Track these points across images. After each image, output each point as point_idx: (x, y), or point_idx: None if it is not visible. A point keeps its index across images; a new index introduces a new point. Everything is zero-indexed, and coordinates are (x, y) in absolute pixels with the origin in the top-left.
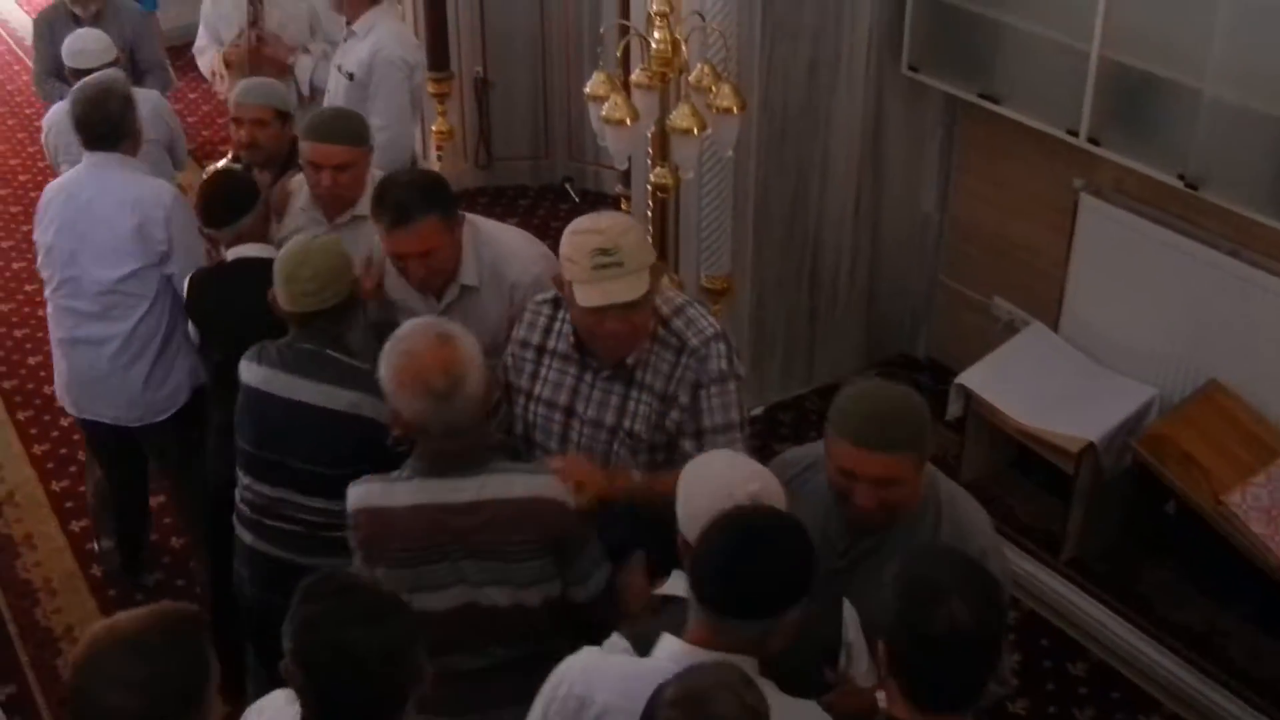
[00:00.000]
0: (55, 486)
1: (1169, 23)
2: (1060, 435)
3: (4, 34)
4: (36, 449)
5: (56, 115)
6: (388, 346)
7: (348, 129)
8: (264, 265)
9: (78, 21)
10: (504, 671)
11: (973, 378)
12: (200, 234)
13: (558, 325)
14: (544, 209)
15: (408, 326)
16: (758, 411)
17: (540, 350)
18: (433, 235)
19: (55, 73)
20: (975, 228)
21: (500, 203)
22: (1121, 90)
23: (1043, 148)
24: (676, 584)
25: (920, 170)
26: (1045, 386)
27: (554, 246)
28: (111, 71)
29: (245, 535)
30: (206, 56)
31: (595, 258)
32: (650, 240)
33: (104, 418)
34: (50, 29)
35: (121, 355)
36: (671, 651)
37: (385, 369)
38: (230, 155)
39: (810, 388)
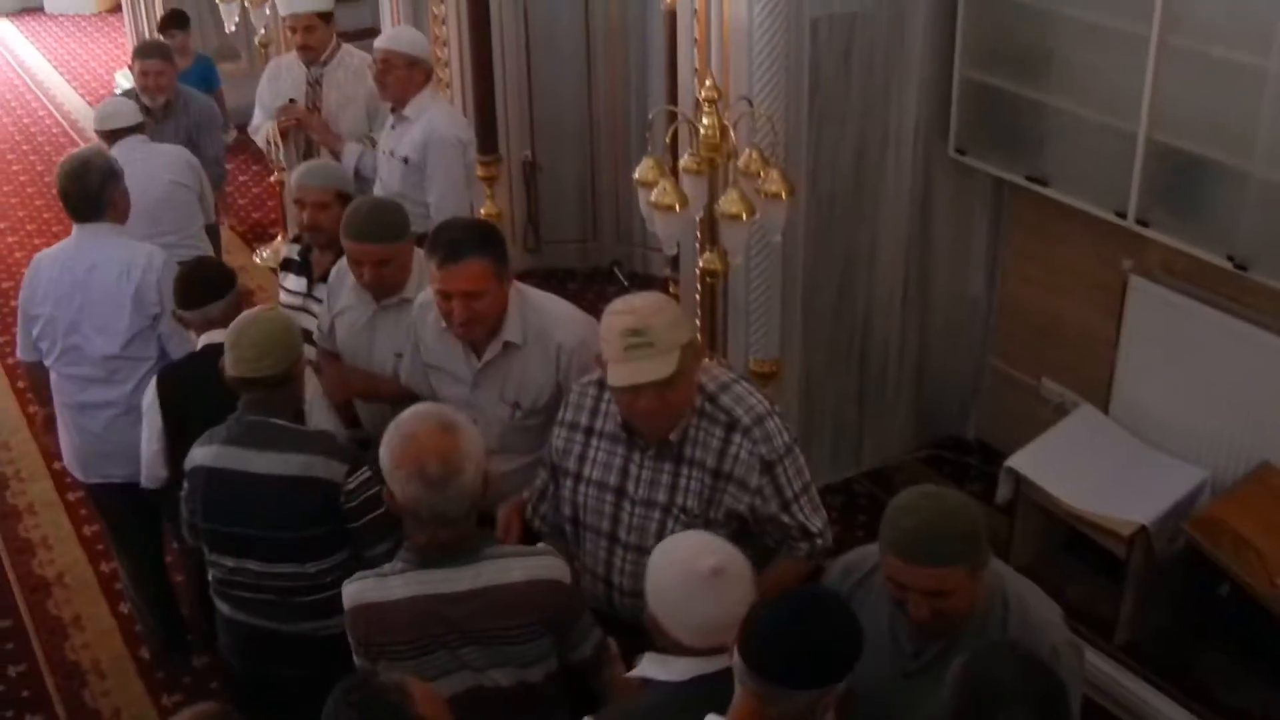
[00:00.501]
0: (105, 568)
1: (1216, 104)
2: (1111, 518)
3: (60, 117)
4: (86, 530)
5: None
6: (391, 427)
7: (386, 225)
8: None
9: (148, 113)
10: None
11: (1022, 460)
12: (174, 315)
13: (604, 406)
14: (592, 292)
15: (413, 411)
16: None
17: (588, 432)
18: (481, 277)
19: None
20: (1024, 309)
21: (548, 285)
22: (1169, 172)
23: (1091, 229)
24: (647, 666)
25: (968, 252)
26: (1096, 469)
27: None
28: (94, 146)
29: (223, 606)
30: (262, 133)
31: (626, 338)
32: (686, 320)
33: (114, 478)
34: None
35: (127, 416)
36: None
37: (385, 448)
38: (290, 235)
39: (859, 471)
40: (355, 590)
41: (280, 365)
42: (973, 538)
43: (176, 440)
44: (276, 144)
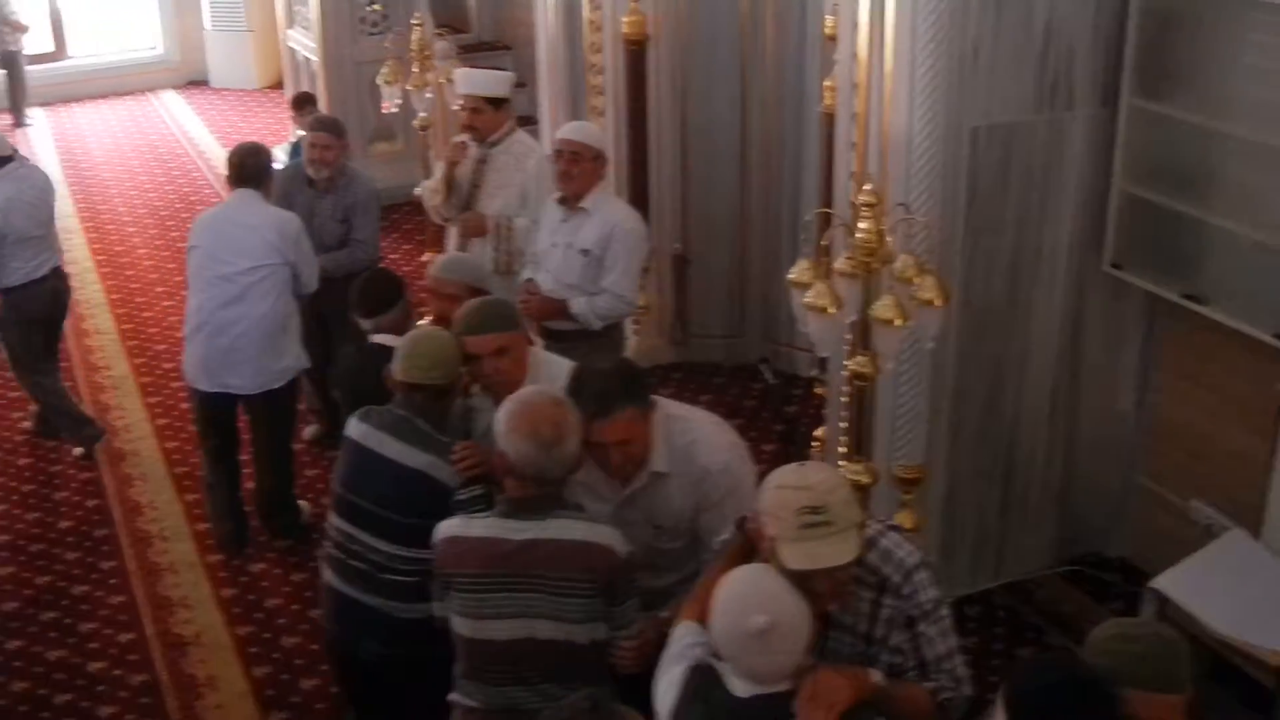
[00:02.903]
0: (241, 631)
1: None
2: (1260, 647)
3: (219, 187)
4: (225, 592)
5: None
6: (508, 401)
7: (498, 316)
8: (389, 351)
9: (311, 184)
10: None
11: (1168, 582)
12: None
13: None
14: (737, 388)
15: (529, 388)
16: None
17: None
18: (631, 426)
19: None
20: (1175, 428)
21: (694, 380)
22: None
23: (1247, 350)
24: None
25: (1119, 368)
26: (1245, 594)
27: (744, 426)
28: (257, 140)
29: (326, 573)
30: (425, 188)
31: (803, 516)
32: (855, 498)
33: (230, 388)
34: (284, 187)
35: (252, 333)
36: None
37: (502, 418)
38: (429, 319)
39: (998, 582)
40: (446, 525)
41: (447, 378)
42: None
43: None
44: (435, 189)
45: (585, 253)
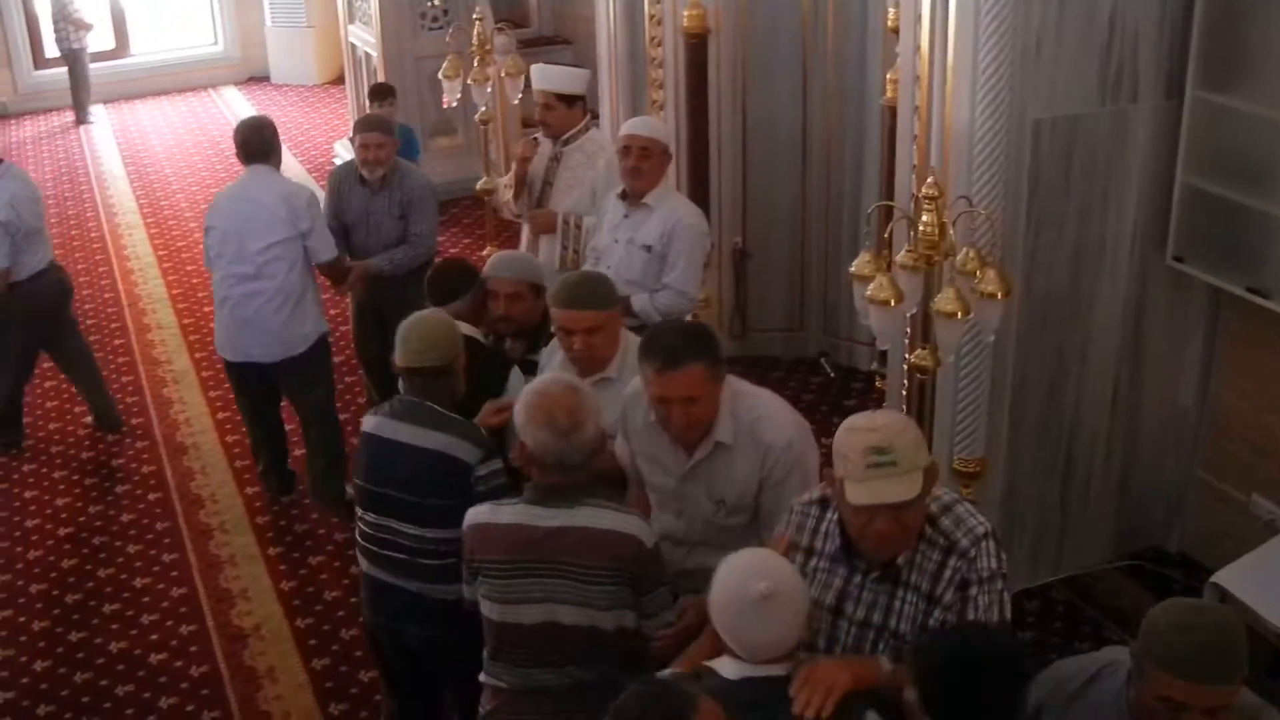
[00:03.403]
0: (300, 623)
1: None
2: None
3: None
4: (285, 585)
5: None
6: (525, 391)
7: (596, 294)
8: (465, 340)
9: (363, 183)
10: (582, 692)
11: (1229, 577)
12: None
13: (825, 526)
14: (795, 381)
15: (544, 376)
16: None
17: (808, 552)
18: (698, 382)
19: (335, 228)
20: (1236, 423)
21: (753, 373)
22: None
23: None
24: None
25: (1181, 361)
26: None
27: (804, 418)
28: (261, 114)
29: (362, 562)
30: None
31: (869, 456)
32: (923, 440)
33: (255, 358)
34: (338, 187)
35: (270, 303)
36: None
37: (520, 408)
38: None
39: (1057, 576)
40: (474, 512)
41: (441, 359)
42: (1245, 648)
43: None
44: (508, 185)
45: (647, 249)
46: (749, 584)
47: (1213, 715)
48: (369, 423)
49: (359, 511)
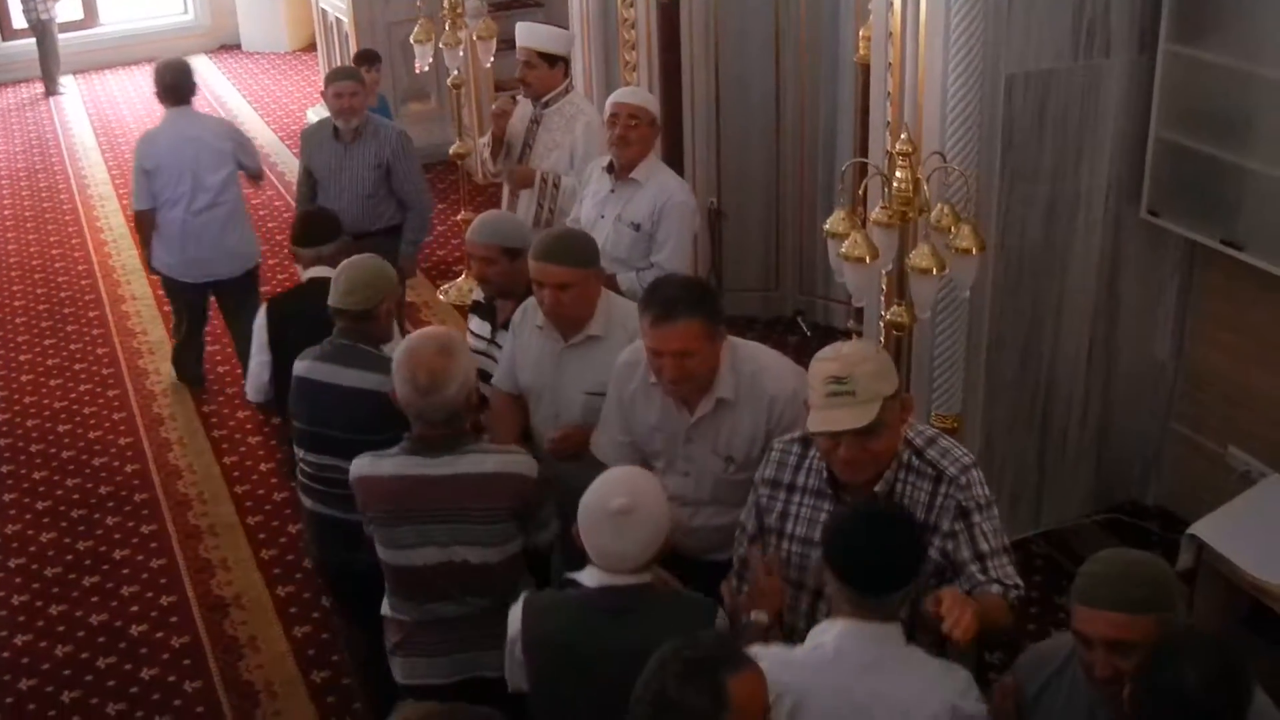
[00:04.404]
0: (281, 591)
1: None
2: None
3: None
4: (264, 554)
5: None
6: (403, 342)
7: (570, 251)
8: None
9: (337, 136)
10: (482, 618)
11: (1206, 528)
12: (291, 252)
13: (808, 462)
14: (772, 341)
15: (421, 331)
16: None
17: (790, 488)
18: (693, 338)
19: (309, 183)
20: (1212, 375)
21: (730, 333)
22: None
23: None
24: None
25: (1156, 315)
26: None
27: None
28: (175, 57)
29: (305, 501)
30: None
31: (828, 384)
32: (892, 372)
33: (219, 275)
34: (310, 141)
35: (230, 223)
36: (846, 632)
37: (395, 357)
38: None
39: (1036, 531)
40: (356, 465)
41: (365, 303)
42: (1167, 588)
43: (278, 354)
44: (487, 143)
45: (636, 227)
46: (609, 499)
47: (1116, 651)
48: (300, 366)
49: (300, 452)
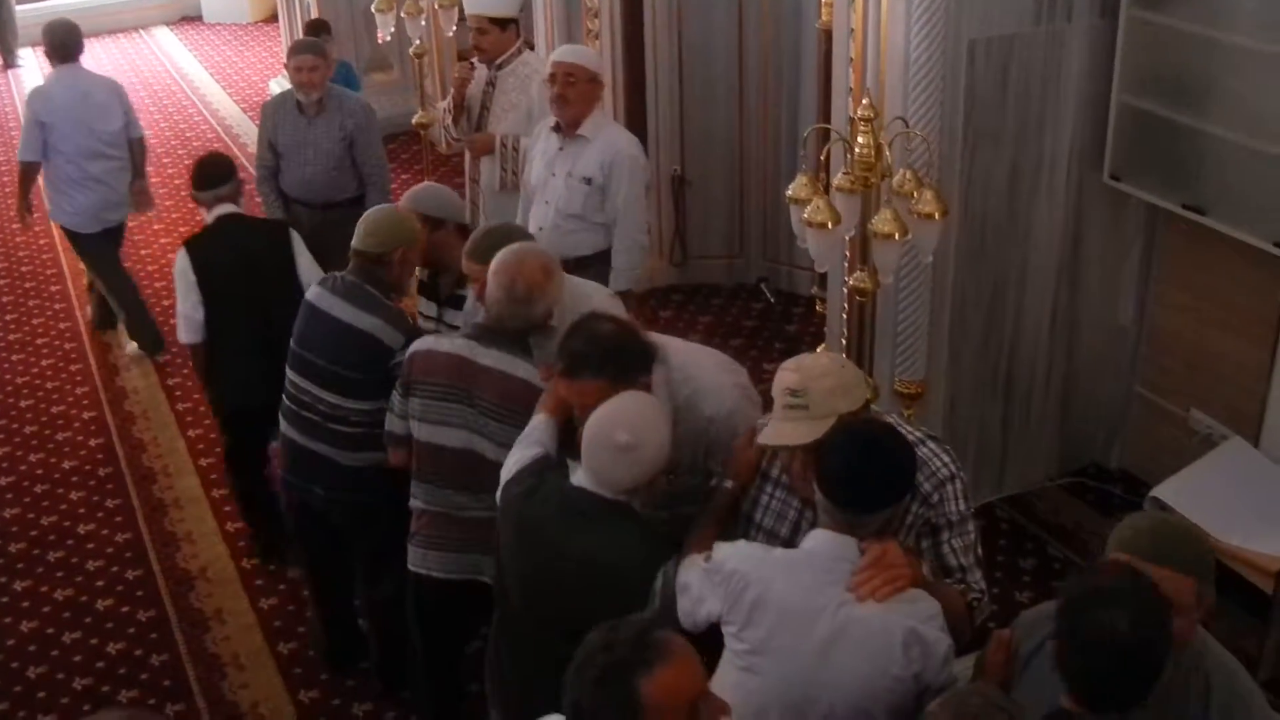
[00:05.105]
0: (246, 564)
1: None
2: (1259, 554)
3: (215, 123)
4: (230, 526)
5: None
6: (507, 248)
7: (494, 249)
8: (241, 218)
9: (300, 110)
10: (491, 523)
11: (1168, 491)
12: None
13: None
14: (736, 308)
15: (528, 246)
16: None
17: (764, 476)
18: (597, 395)
19: (270, 155)
20: (1174, 339)
21: (694, 301)
22: None
23: (1247, 260)
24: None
25: (1119, 280)
26: (1244, 503)
27: (745, 345)
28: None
29: (282, 423)
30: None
31: (785, 396)
32: (856, 389)
33: (110, 222)
34: (272, 115)
35: (121, 172)
36: (820, 538)
37: (495, 260)
38: None
39: (1000, 495)
40: (420, 341)
41: (378, 247)
42: (1202, 551)
43: (204, 292)
44: (448, 108)
45: (587, 181)
46: (615, 431)
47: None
48: (311, 292)
49: (288, 372)
